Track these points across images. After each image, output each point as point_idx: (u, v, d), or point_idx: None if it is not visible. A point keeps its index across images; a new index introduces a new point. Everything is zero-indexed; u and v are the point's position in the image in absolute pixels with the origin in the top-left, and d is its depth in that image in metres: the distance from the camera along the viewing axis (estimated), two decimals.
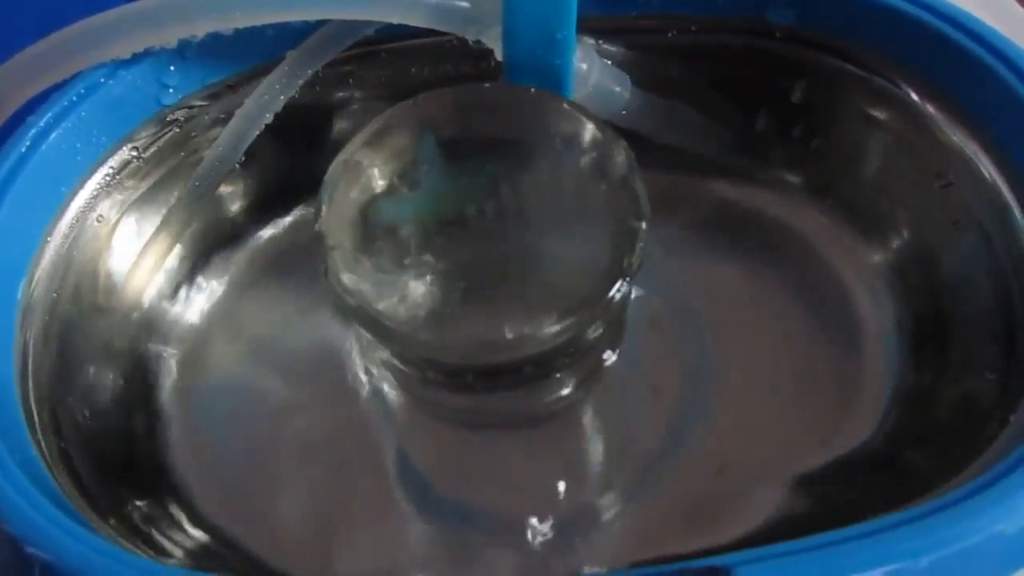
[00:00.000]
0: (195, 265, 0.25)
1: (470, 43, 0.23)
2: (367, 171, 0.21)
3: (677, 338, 0.24)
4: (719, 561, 0.16)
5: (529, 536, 0.22)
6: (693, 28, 0.24)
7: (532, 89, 0.22)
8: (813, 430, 0.22)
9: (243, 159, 0.24)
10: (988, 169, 0.22)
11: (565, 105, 0.21)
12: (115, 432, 0.22)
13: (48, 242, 0.22)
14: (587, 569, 0.21)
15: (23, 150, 0.21)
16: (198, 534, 0.21)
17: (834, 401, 0.23)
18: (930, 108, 0.23)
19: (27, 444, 0.19)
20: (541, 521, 0.22)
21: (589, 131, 0.21)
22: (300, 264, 0.25)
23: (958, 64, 0.22)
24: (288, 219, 0.26)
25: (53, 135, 0.21)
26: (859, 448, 0.22)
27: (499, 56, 0.22)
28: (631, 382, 0.24)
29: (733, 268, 0.25)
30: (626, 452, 0.23)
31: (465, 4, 0.22)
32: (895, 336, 0.23)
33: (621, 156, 0.21)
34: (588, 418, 0.23)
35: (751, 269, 0.25)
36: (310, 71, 0.23)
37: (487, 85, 0.22)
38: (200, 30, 0.21)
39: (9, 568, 0.17)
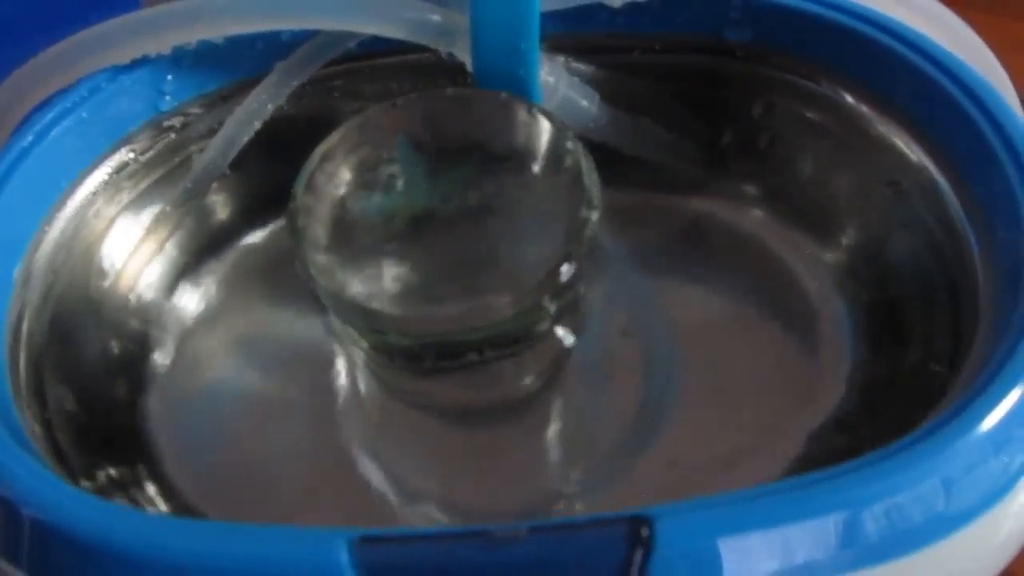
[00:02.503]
0: (185, 263, 0.26)
1: (443, 56, 0.24)
2: (343, 164, 0.23)
3: (644, 343, 0.25)
4: (641, 512, 0.16)
5: (488, 520, 0.23)
6: (657, 48, 0.26)
7: (501, 94, 0.23)
8: (773, 423, 0.23)
9: (235, 167, 0.26)
10: (935, 175, 0.23)
11: (527, 108, 0.23)
12: (97, 402, 0.23)
13: (46, 231, 0.23)
14: None
15: (25, 144, 0.23)
16: (164, 505, 0.22)
17: (794, 397, 0.24)
18: (879, 119, 0.24)
19: (12, 409, 0.20)
20: (501, 505, 0.23)
21: (548, 131, 0.23)
22: (284, 266, 0.26)
23: (903, 76, 0.23)
24: (274, 225, 0.27)
25: (54, 132, 0.23)
26: (816, 441, 0.23)
27: (470, 67, 0.24)
28: (598, 382, 0.25)
29: (698, 275, 0.26)
30: (588, 445, 0.24)
31: (437, 18, 0.23)
32: (850, 333, 0.24)
33: (576, 153, 0.22)
34: (554, 412, 0.24)
35: (714, 275, 0.26)
36: (296, 82, 0.25)
37: (458, 90, 0.24)
38: (193, 37, 0.23)
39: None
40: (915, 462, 0.17)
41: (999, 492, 0.18)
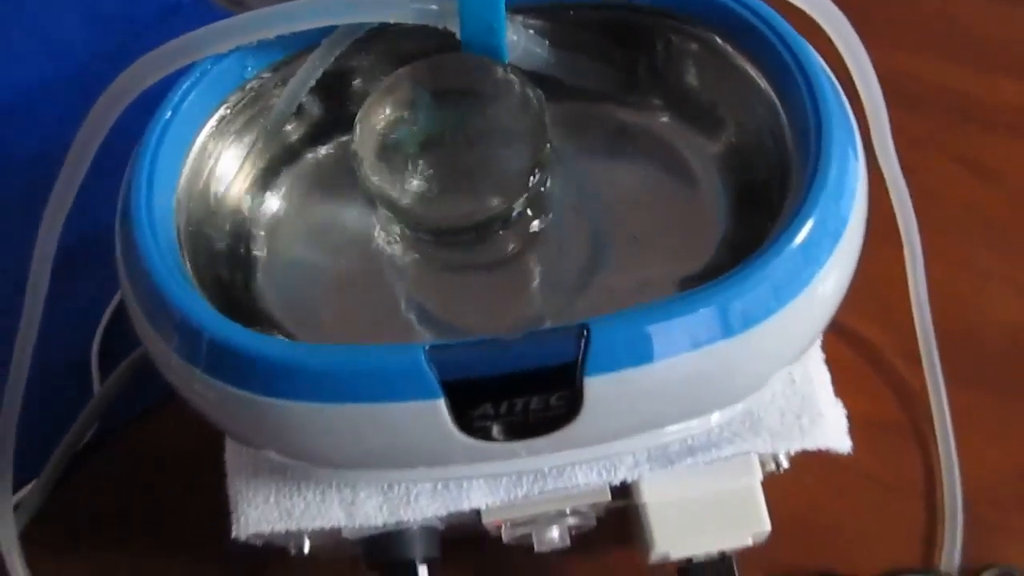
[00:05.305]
0: (272, 178, 0.38)
1: (440, 29, 0.35)
2: (383, 109, 0.35)
3: (588, 215, 0.37)
4: (582, 322, 0.29)
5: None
6: (588, 7, 0.37)
7: (484, 57, 0.35)
8: (675, 262, 0.35)
9: (300, 110, 0.37)
10: (772, 95, 0.34)
11: (502, 67, 0.34)
12: (221, 280, 0.35)
13: (182, 171, 0.35)
14: None
15: (167, 117, 0.34)
16: None
17: (689, 245, 0.35)
18: (738, 56, 0.35)
19: (192, 279, 0.32)
20: (498, 326, 0.35)
21: (517, 84, 0.34)
22: (339, 174, 0.38)
23: (746, 29, 0.34)
24: (330, 145, 0.39)
25: (184, 105, 0.34)
26: (701, 272, 0.35)
27: (459, 36, 0.35)
28: (558, 243, 0.37)
29: (623, 165, 0.38)
30: (554, 286, 0.36)
31: (435, 7, 0.34)
32: (724, 204, 0.36)
33: (536, 100, 0.34)
34: (531, 264, 0.37)
35: (634, 164, 0.38)
36: (338, 51, 0.36)
37: (454, 55, 0.35)
38: (272, 34, 0.34)
39: (183, 350, 0.30)
40: (755, 271, 0.29)
41: (803, 285, 0.30)
